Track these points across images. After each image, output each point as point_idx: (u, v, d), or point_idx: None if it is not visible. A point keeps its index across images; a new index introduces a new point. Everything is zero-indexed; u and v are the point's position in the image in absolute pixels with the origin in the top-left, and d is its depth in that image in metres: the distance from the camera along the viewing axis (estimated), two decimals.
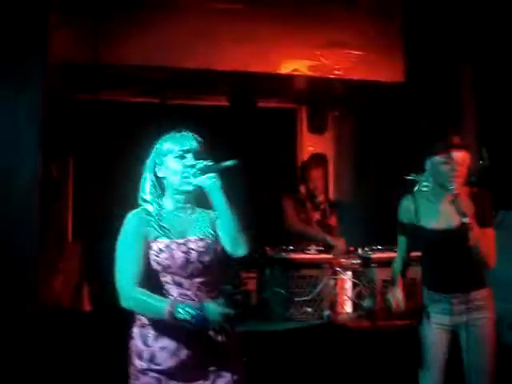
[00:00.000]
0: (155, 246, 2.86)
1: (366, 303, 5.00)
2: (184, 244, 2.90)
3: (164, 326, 2.80)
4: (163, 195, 2.98)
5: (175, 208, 2.97)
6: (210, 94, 6.85)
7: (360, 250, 5.27)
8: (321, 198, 6.10)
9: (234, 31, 5.75)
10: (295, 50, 6.07)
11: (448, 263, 3.79)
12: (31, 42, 4.58)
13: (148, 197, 2.96)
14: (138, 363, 2.86)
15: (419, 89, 6.18)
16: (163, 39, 5.51)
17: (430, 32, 6.03)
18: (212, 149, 3.01)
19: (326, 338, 4.64)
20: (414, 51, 6.25)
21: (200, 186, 2.90)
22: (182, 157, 2.94)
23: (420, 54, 6.18)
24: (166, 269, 2.86)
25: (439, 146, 3.84)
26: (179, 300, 2.81)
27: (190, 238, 2.93)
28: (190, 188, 2.93)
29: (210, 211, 3.01)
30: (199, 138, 3.01)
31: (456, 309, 3.78)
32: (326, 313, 4.89)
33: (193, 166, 2.90)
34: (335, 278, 5.07)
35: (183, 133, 3.02)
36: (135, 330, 2.91)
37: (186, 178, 2.91)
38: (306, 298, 4.87)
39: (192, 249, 2.90)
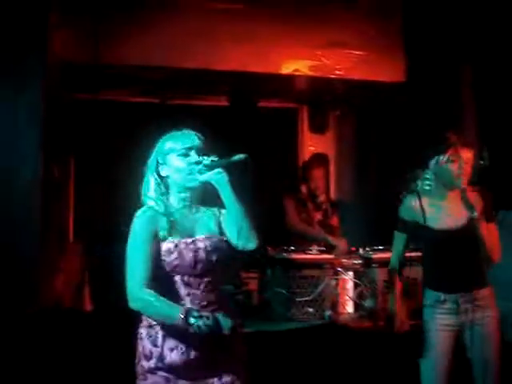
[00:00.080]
0: (164, 247, 2.84)
1: (368, 303, 5.00)
2: (193, 243, 2.89)
3: (172, 327, 2.79)
4: (168, 194, 2.97)
5: (180, 207, 2.96)
6: (210, 93, 6.86)
7: (361, 250, 5.27)
8: (322, 197, 6.11)
9: (234, 31, 5.75)
10: (296, 49, 6.07)
11: (454, 262, 3.78)
12: (31, 41, 4.58)
13: (154, 195, 2.94)
14: (146, 363, 2.84)
15: (420, 89, 6.18)
16: (163, 39, 5.50)
17: (431, 32, 6.04)
18: (213, 149, 3.00)
19: (328, 339, 4.63)
20: (415, 51, 6.25)
21: (207, 182, 2.89)
22: (186, 155, 2.92)
23: (420, 54, 6.18)
24: (176, 269, 2.85)
25: (445, 144, 3.84)
26: (191, 307, 2.80)
27: (197, 237, 2.92)
28: (196, 184, 2.92)
29: (214, 209, 3.01)
30: (201, 136, 3.00)
31: (462, 308, 3.77)
32: (328, 313, 4.89)
33: (199, 163, 2.89)
34: (336, 279, 5.07)
35: (184, 131, 3.01)
36: (142, 331, 2.89)
37: (190, 174, 2.90)
38: (307, 299, 4.87)
39: (200, 248, 2.89)
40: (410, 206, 3.93)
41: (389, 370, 4.51)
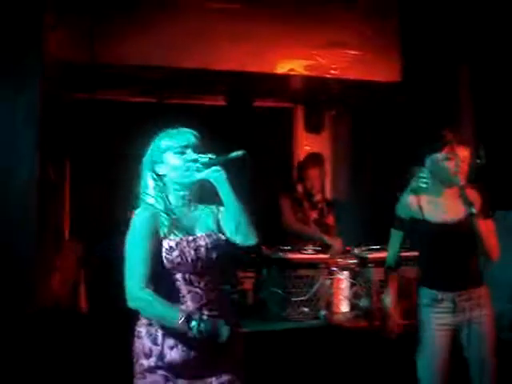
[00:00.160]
0: (166, 244, 2.85)
1: (363, 303, 5.01)
2: (194, 241, 2.91)
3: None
4: (166, 192, 2.97)
5: (179, 205, 2.97)
6: (208, 93, 6.85)
7: (356, 250, 5.28)
8: (318, 197, 6.13)
9: (232, 31, 5.73)
10: (292, 49, 6.06)
11: (451, 259, 3.80)
12: (27, 41, 4.56)
13: (153, 193, 2.95)
14: (146, 362, 2.85)
15: (416, 89, 6.18)
16: (161, 39, 5.48)
17: (427, 32, 6.04)
18: (209, 148, 3.01)
19: (323, 338, 4.65)
20: (411, 51, 6.25)
21: (205, 180, 2.91)
22: (182, 153, 2.94)
23: (417, 54, 6.19)
24: (177, 267, 2.85)
25: (442, 142, 3.86)
26: (192, 311, 2.80)
27: (198, 234, 2.94)
28: (193, 182, 2.93)
29: (212, 206, 3.03)
30: (197, 134, 3.01)
31: (460, 307, 3.79)
32: (323, 313, 4.90)
33: (196, 161, 2.90)
34: (332, 278, 5.08)
35: (180, 129, 3.02)
36: (142, 329, 2.89)
37: (187, 172, 2.91)
38: (302, 298, 4.88)
39: (201, 245, 2.91)
40: (408, 203, 3.94)
41: (384, 369, 4.52)
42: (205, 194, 2.99)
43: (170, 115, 5.92)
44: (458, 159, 3.82)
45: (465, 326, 3.80)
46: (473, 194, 3.81)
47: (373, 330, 4.68)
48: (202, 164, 2.89)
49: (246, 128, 6.75)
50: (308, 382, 4.46)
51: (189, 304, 2.86)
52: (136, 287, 2.77)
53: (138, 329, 2.91)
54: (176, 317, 2.73)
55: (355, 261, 5.18)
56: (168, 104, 6.60)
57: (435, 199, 3.90)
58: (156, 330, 2.86)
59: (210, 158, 2.89)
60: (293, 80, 6.44)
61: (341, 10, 6.15)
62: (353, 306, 5.10)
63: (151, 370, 2.84)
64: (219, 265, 2.99)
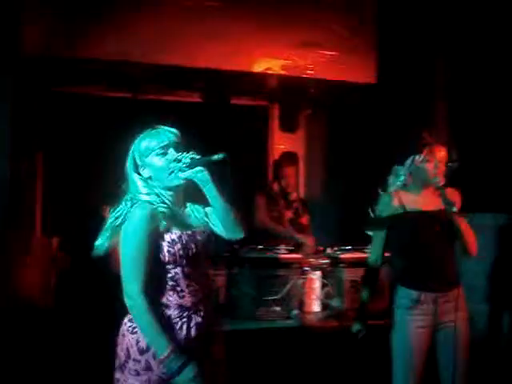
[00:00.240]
0: (168, 237, 2.84)
1: (334, 303, 5.02)
2: (192, 235, 2.92)
3: (165, 320, 2.80)
4: (156, 188, 2.95)
5: (169, 204, 2.94)
6: (184, 89, 6.83)
7: (329, 250, 5.29)
8: (293, 195, 6.14)
9: (209, 29, 5.73)
10: (269, 48, 6.08)
11: (433, 256, 3.82)
12: (1, 36, 4.53)
13: (145, 191, 2.91)
14: (142, 358, 2.79)
15: (391, 90, 6.21)
16: (138, 35, 5.47)
17: (404, 33, 6.07)
18: (187, 145, 3.00)
19: (294, 338, 4.65)
20: (387, 52, 6.28)
21: (189, 180, 2.91)
22: (164, 153, 2.92)
23: (393, 56, 6.22)
24: (179, 260, 2.84)
25: (421, 144, 3.89)
26: (177, 350, 2.75)
27: (194, 229, 2.96)
28: (180, 182, 2.92)
29: (198, 205, 3.07)
30: (175, 131, 3.00)
31: (440, 309, 3.78)
32: (295, 312, 4.91)
33: (179, 161, 2.89)
34: (304, 278, 5.08)
35: (158, 129, 2.99)
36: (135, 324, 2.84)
37: (173, 173, 2.90)
38: (274, 297, 4.87)
39: (199, 240, 2.93)
40: (389, 202, 3.95)
41: (356, 369, 4.53)
42: (192, 192, 3.00)
43: (146, 111, 5.98)
44: (436, 160, 3.85)
45: (440, 327, 3.81)
46: (452, 193, 3.85)
47: (344, 330, 4.69)
48: (184, 164, 2.88)
49: (221, 125, 6.75)
50: (278, 381, 4.46)
51: (187, 299, 2.85)
52: (134, 291, 2.75)
53: (132, 324, 2.84)
54: (164, 348, 2.72)
55: (327, 261, 5.19)
56: (144, 100, 6.57)
57: (415, 197, 3.93)
58: None
59: (191, 158, 2.88)
60: (269, 79, 6.46)
61: (318, 11, 6.16)
62: (324, 306, 5.10)
63: (149, 367, 2.79)
64: (208, 259, 3.04)
